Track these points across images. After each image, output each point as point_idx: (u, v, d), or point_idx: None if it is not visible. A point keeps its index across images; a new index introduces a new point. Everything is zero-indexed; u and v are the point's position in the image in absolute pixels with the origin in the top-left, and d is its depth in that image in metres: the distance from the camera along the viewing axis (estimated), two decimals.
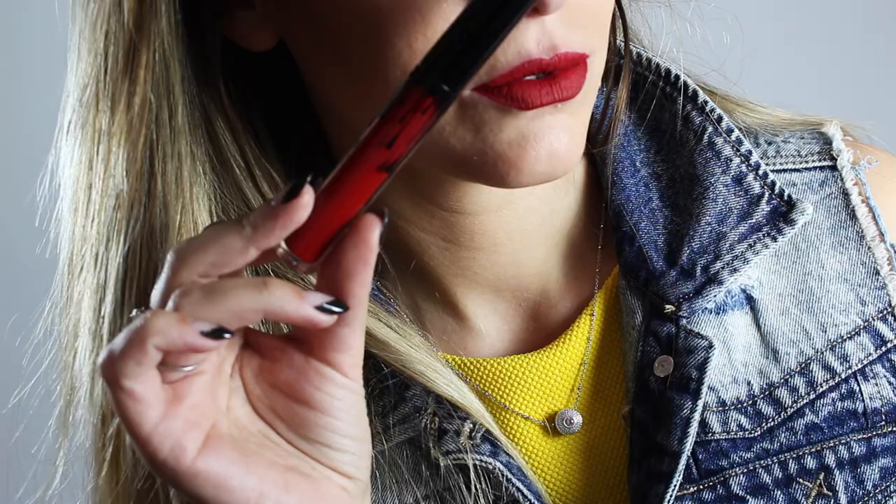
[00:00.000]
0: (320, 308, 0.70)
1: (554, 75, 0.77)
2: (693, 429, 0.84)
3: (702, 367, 0.85)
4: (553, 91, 0.77)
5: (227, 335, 0.69)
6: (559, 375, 0.89)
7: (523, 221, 0.88)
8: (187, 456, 0.69)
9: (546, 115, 0.78)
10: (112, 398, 0.69)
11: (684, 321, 0.86)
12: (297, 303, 0.69)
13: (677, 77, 0.91)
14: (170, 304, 0.69)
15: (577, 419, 0.89)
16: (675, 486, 0.84)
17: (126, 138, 0.83)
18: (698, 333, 0.86)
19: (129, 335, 0.68)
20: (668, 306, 0.87)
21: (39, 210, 0.91)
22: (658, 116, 0.91)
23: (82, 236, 0.86)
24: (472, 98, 0.77)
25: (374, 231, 0.70)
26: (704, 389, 0.85)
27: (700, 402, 0.84)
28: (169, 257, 0.71)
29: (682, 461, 0.84)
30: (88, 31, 0.84)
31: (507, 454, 0.86)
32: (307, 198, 0.69)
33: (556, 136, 0.78)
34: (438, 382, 0.86)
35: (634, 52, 0.92)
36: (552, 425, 0.89)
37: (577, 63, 0.78)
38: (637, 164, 0.91)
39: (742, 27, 0.99)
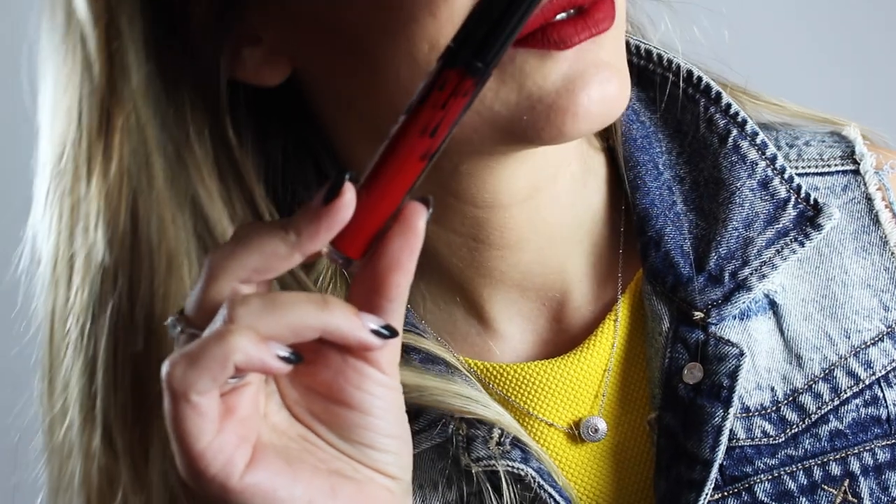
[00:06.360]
0: (374, 332, 0.69)
1: (585, 10, 0.76)
2: (724, 437, 0.84)
3: (733, 375, 0.84)
4: (588, 25, 0.76)
5: (299, 361, 0.68)
6: (583, 382, 0.88)
7: (548, 211, 0.87)
8: (237, 472, 0.68)
9: (586, 54, 0.76)
10: (171, 409, 0.67)
11: (713, 328, 0.86)
12: (355, 324, 0.68)
13: (700, 79, 0.90)
14: (224, 312, 0.67)
15: (602, 427, 0.88)
16: (707, 493, 0.83)
17: (107, 207, 0.81)
18: (728, 341, 0.85)
19: (208, 348, 0.66)
20: (696, 313, 0.86)
21: (22, 288, 0.87)
22: (680, 118, 0.91)
23: (65, 313, 0.83)
24: (509, 53, 0.75)
25: (421, 218, 0.69)
26: (736, 398, 0.84)
27: (731, 411, 0.84)
28: (207, 262, 0.69)
29: (714, 470, 0.83)
30: (60, 94, 0.82)
31: (538, 460, 0.85)
32: (349, 196, 0.67)
33: (604, 75, 0.76)
34: (468, 407, 0.85)
35: (655, 53, 0.91)
36: (577, 432, 0.88)
37: None
38: (660, 166, 0.90)
39: (759, 28, 0.99)
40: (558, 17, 0.75)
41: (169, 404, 0.67)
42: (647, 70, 0.91)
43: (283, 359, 0.67)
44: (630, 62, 0.90)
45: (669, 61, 0.91)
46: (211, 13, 0.80)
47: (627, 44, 0.91)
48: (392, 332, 0.69)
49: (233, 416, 0.69)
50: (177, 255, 0.81)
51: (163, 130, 0.81)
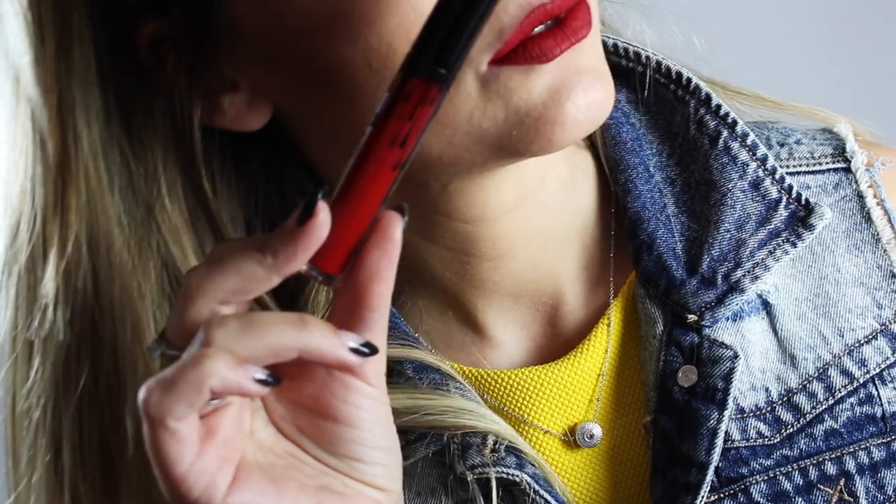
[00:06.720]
0: (353, 350, 0.69)
1: (562, 20, 0.76)
2: (720, 440, 0.84)
3: (728, 378, 0.85)
4: (568, 35, 0.76)
5: (276, 383, 0.68)
6: (577, 387, 0.88)
7: (537, 218, 0.87)
8: (219, 494, 0.68)
9: (568, 62, 0.77)
10: (150, 436, 0.67)
11: (707, 331, 0.86)
12: (334, 343, 0.68)
13: (689, 80, 0.90)
14: (201, 334, 0.67)
15: (598, 432, 0.88)
16: (703, 496, 0.83)
17: (65, 285, 0.80)
18: (722, 343, 0.86)
19: (183, 374, 0.66)
20: (690, 316, 0.86)
21: None
22: (669, 119, 0.91)
23: (25, 390, 0.82)
24: (493, 71, 0.76)
25: (397, 227, 0.69)
26: (730, 400, 0.84)
27: (726, 413, 0.84)
28: (184, 283, 0.69)
29: (710, 472, 0.83)
30: (11, 171, 0.81)
31: (533, 465, 0.85)
32: (323, 215, 0.67)
33: (587, 81, 0.77)
34: (461, 421, 0.85)
35: (643, 55, 0.91)
36: (572, 438, 0.89)
37: (578, 0, 0.77)
38: (651, 169, 0.90)
39: (756, 26, 0.98)
40: (536, 30, 0.76)
41: (147, 430, 0.67)
42: (634, 72, 0.91)
43: (261, 381, 0.68)
44: (618, 64, 0.90)
45: (658, 63, 0.91)
46: (182, 68, 0.80)
47: (615, 46, 0.91)
48: (372, 350, 0.70)
49: (214, 438, 0.69)
50: (142, 322, 0.81)
51: (128, 197, 0.81)
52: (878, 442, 0.86)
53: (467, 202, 0.84)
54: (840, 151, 0.92)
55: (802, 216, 0.87)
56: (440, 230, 0.85)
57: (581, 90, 0.77)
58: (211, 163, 0.84)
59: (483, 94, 0.76)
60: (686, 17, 0.95)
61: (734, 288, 0.86)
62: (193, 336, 0.68)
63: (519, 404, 0.88)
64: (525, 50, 0.76)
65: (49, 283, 0.80)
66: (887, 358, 0.87)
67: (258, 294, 0.69)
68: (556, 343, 0.90)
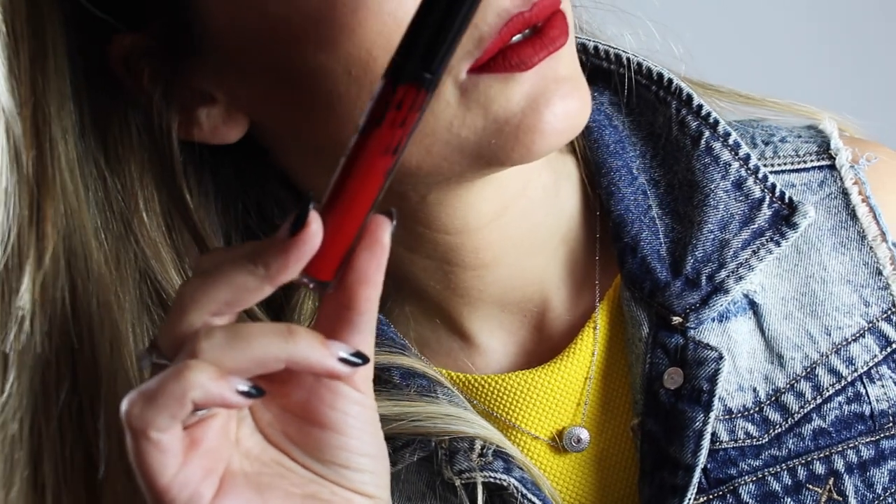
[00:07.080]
0: (342, 360, 0.69)
1: (540, 29, 0.76)
2: (706, 441, 0.84)
3: (713, 380, 0.84)
4: (546, 44, 0.76)
5: (260, 395, 0.68)
6: (564, 391, 0.88)
7: (521, 225, 0.87)
8: None
9: (546, 71, 0.77)
10: (133, 447, 0.67)
11: (692, 332, 0.86)
12: (322, 353, 0.68)
13: (670, 81, 0.90)
14: (188, 346, 0.67)
15: (585, 436, 0.88)
16: (689, 498, 0.83)
17: (42, 297, 0.80)
18: (707, 345, 0.85)
19: (165, 385, 0.66)
20: (675, 318, 0.86)
21: None
22: (651, 121, 0.90)
23: (1, 406, 0.82)
24: (472, 80, 0.76)
25: (386, 232, 0.69)
26: (716, 402, 0.84)
27: (712, 415, 0.84)
28: (177, 294, 0.69)
29: (697, 474, 0.83)
30: None
31: (521, 469, 0.85)
32: (315, 226, 0.67)
33: (564, 89, 0.77)
34: (449, 427, 0.84)
35: (624, 57, 0.91)
36: (560, 443, 0.88)
37: (555, 9, 0.77)
38: (634, 171, 0.90)
39: (756, 26, 0.98)
40: (514, 39, 0.76)
41: (129, 441, 0.68)
42: (615, 74, 0.91)
43: (244, 393, 0.68)
44: (599, 67, 0.90)
45: (639, 64, 0.91)
46: (157, 81, 0.80)
47: (596, 48, 0.91)
48: (363, 359, 0.70)
49: (198, 448, 0.69)
50: (122, 333, 0.81)
51: (105, 210, 0.81)
52: (867, 440, 0.85)
53: (448, 213, 0.84)
54: (825, 149, 0.91)
55: (786, 215, 0.87)
56: (421, 241, 0.85)
57: (559, 99, 0.77)
58: (188, 176, 0.84)
59: (462, 102, 0.77)
60: (687, 16, 0.95)
61: (718, 289, 0.86)
62: None
63: (507, 409, 0.88)
64: (504, 58, 0.76)
65: (25, 295, 0.80)
66: (875, 356, 0.87)
67: (252, 304, 0.69)
68: (544, 348, 0.90)
